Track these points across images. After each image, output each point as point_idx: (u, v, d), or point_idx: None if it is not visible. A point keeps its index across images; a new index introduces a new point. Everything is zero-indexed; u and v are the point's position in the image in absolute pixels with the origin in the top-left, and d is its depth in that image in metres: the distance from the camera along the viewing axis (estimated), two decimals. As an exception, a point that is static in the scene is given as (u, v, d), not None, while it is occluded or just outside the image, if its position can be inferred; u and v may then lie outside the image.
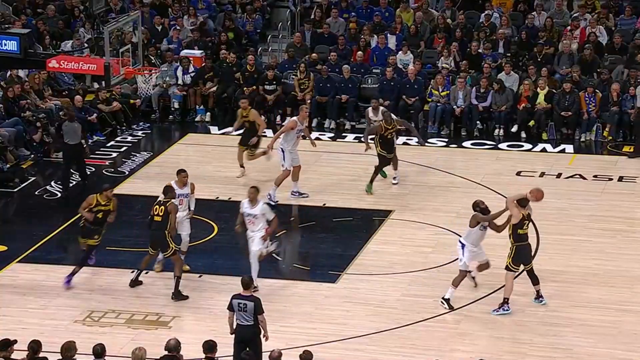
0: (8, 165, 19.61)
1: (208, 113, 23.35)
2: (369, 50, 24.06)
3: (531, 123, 22.10)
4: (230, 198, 18.57)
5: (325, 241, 17.05)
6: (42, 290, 15.07)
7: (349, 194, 18.93)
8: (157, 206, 15.05)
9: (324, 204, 18.46)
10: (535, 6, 24.79)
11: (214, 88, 23.42)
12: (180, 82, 23.27)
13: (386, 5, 25.50)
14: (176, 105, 23.29)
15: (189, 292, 15.21)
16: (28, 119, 20.91)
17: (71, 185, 19.21)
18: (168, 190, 15.21)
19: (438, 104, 22.47)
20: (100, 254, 16.06)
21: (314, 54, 23.93)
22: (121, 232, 17.07)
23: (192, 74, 23.37)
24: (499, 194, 18.45)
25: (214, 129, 22.74)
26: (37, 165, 20.30)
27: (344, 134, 22.58)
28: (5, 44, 16.25)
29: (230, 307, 12.53)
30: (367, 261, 16.30)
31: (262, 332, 12.50)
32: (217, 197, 18.60)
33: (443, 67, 23.20)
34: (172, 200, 15.09)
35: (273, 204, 17.42)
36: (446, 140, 21.98)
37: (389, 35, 24.27)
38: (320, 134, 22.48)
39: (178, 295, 15.02)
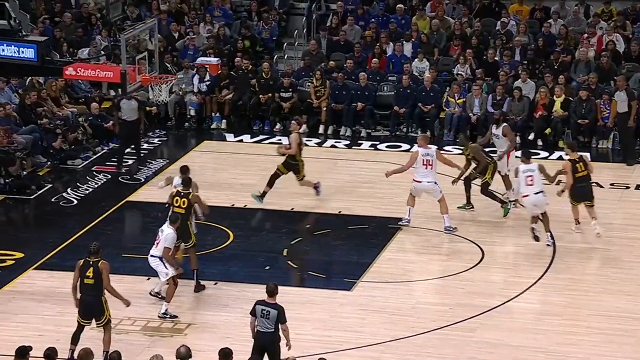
0: (25, 172, 19.70)
1: (224, 120, 23.40)
2: (385, 57, 24.07)
3: (548, 131, 22.05)
4: (245, 205, 18.61)
5: (341, 248, 17.06)
6: (59, 297, 15.07)
7: (364, 201, 18.93)
8: (177, 197, 15.29)
9: (340, 212, 18.46)
10: (552, 14, 24.75)
11: (230, 95, 23.47)
12: (196, 89, 23.34)
13: (402, 12, 25.52)
14: (192, 113, 23.34)
15: (205, 299, 15.24)
16: (45, 126, 21.00)
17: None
18: (188, 182, 15.45)
19: (454, 114, 22.49)
20: (116, 262, 16.12)
21: (331, 62, 23.94)
22: (137, 239, 17.12)
23: (208, 82, 23.42)
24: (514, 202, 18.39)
25: (229, 137, 22.77)
26: (53, 172, 20.37)
27: (359, 142, 22.58)
28: (22, 52, 16.33)
29: (253, 313, 12.51)
30: (383, 269, 16.29)
31: (286, 341, 12.48)
32: (233, 205, 18.63)
33: (459, 75, 23.19)
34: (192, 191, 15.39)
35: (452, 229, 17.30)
36: (462, 148, 21.96)
37: (404, 42, 24.29)
38: (335, 142, 22.51)
39: (199, 286, 15.22)
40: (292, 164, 18.22)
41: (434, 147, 17.55)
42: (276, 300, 12.55)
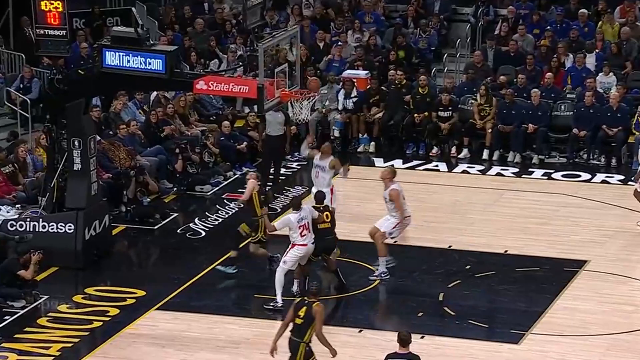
0: (148, 199, 20.17)
1: (372, 143, 23.54)
2: (562, 71, 23.81)
3: None
4: (395, 241, 18.65)
5: (507, 294, 16.90)
6: (183, 341, 15.42)
7: (535, 239, 18.72)
8: (320, 214, 16.57)
9: (506, 251, 18.31)
10: None
11: (380, 114, 23.62)
12: (341, 107, 23.59)
13: (585, 19, 25.20)
14: (336, 134, 23.59)
15: (348, 349, 15.32)
16: (170, 146, 21.50)
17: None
18: (323, 196, 16.81)
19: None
20: (247, 302, 16.42)
21: (502, 77, 23.81)
22: (271, 277, 17.36)
23: (355, 99, 23.65)
24: None
25: (378, 161, 22.88)
26: (179, 199, 20.85)
27: (530, 170, 22.36)
28: (150, 63, 16.72)
29: None
30: (557, 319, 16.07)
31: None
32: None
33: (652, 92, 22.78)
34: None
35: None
36: None
37: (587, 54, 23.98)
38: (502, 169, 22.34)
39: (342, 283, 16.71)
40: (253, 221, 17.38)
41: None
42: (409, 349, 12.52)
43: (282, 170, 21.90)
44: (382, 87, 23.94)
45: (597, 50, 24.22)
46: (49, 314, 16.21)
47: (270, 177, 21.31)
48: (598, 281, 17.25)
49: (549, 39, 24.69)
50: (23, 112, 22.68)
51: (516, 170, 22.34)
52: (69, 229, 17.63)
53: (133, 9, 21.28)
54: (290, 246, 16.30)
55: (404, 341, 12.61)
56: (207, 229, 19.50)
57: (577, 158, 22.69)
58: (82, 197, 17.74)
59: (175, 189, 21.11)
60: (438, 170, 22.47)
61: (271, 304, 16.12)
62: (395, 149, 23.39)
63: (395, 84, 23.83)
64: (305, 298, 13.47)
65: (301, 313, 13.33)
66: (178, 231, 19.50)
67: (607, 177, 21.80)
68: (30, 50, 23.99)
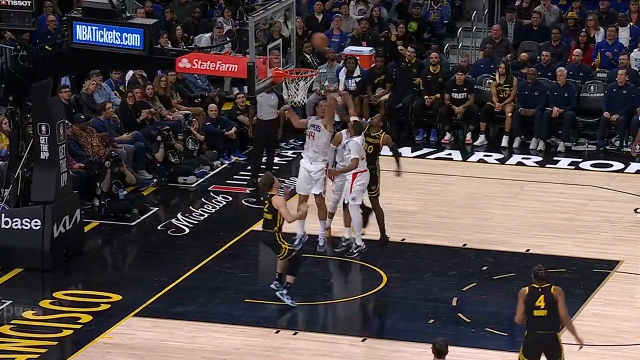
0: (125, 192, 20.16)
1: (378, 128, 23.54)
2: (592, 47, 23.80)
3: None
4: (403, 239, 18.67)
5: (529, 299, 16.92)
6: (164, 352, 15.42)
7: (561, 237, 18.75)
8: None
9: (528, 250, 18.33)
10: None
11: (386, 96, 23.60)
12: (342, 87, 23.58)
13: (618, -12, 25.24)
14: (337, 118, 23.53)
15: (349, 359, 15.36)
16: (150, 132, 21.48)
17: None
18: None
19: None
20: (237, 308, 16.43)
21: (523, 54, 23.79)
22: (264, 279, 17.36)
23: (359, 79, 23.62)
24: None
25: (384, 149, 22.84)
26: (160, 192, 20.86)
27: (555, 158, 22.36)
28: (126, 38, 16.74)
29: None
30: (586, 327, 16.03)
31: None
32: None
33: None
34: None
35: None
36: None
37: (620, 27, 23.96)
38: (524, 158, 22.34)
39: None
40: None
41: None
42: (446, 360, 12.56)
43: (276, 160, 21.88)
44: (389, 66, 23.86)
45: (631, 24, 24.21)
46: (13, 322, 16.19)
47: (262, 166, 21.30)
48: (632, 284, 17.29)
49: (576, 10, 24.67)
50: (-18, 94, 22.65)
51: (539, 159, 22.35)
52: (35, 226, 17.61)
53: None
54: (351, 178, 16.93)
55: (440, 352, 12.57)
56: (191, 226, 19.49)
57: (609, 145, 22.70)
58: (50, 190, 17.72)
59: (155, 180, 21.13)
60: (451, 160, 22.48)
61: (354, 250, 16.84)
62: (403, 136, 23.38)
63: (405, 62, 23.78)
64: (534, 285, 13.32)
65: (540, 303, 13.25)
66: (158, 228, 19.52)
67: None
68: (-9, 23, 23.98)
